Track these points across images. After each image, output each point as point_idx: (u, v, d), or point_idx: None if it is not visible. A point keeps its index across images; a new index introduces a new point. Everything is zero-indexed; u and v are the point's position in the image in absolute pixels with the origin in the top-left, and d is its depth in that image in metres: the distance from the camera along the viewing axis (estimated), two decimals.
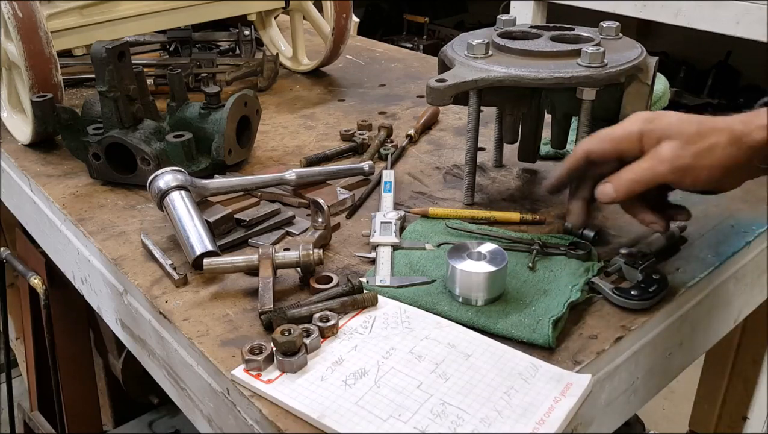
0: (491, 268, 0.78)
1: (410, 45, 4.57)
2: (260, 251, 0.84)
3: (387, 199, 1.03)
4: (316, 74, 1.65)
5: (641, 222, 0.84)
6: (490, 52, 0.95)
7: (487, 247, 0.81)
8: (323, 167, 1.10)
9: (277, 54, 1.62)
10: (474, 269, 0.78)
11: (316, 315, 0.76)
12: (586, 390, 0.69)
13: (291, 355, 0.70)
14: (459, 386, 0.69)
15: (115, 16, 1.31)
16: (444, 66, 0.99)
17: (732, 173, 0.77)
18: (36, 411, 1.81)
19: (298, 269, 0.85)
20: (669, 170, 0.76)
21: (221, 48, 1.73)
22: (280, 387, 0.69)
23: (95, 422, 1.80)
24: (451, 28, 5.12)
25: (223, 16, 1.48)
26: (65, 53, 1.29)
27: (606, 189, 0.79)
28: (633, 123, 0.79)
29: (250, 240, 0.95)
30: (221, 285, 0.86)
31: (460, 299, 0.80)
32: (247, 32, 1.66)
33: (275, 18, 1.74)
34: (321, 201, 0.93)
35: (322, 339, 0.74)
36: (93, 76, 1.13)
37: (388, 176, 1.09)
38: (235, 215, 0.96)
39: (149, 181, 0.95)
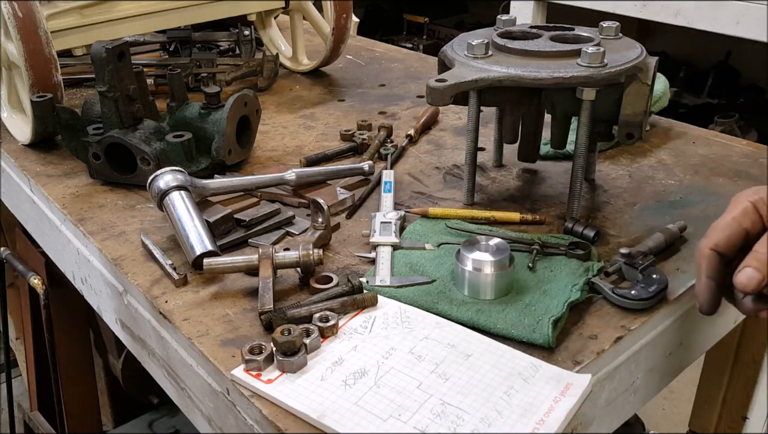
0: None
1: (410, 45, 4.57)
2: (260, 251, 0.84)
3: (387, 199, 1.03)
4: (316, 74, 1.65)
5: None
6: (490, 52, 0.95)
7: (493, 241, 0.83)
8: (323, 167, 1.10)
9: (277, 54, 1.62)
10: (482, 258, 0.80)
11: (316, 315, 0.76)
12: (586, 390, 0.69)
13: (291, 355, 0.70)
14: (459, 386, 0.69)
15: (115, 16, 1.31)
16: (444, 66, 0.99)
17: None
18: (36, 411, 1.81)
19: (298, 269, 0.85)
20: None
21: (221, 48, 1.73)
22: (280, 387, 0.69)
23: (95, 422, 1.81)
24: (451, 28, 5.12)
25: (223, 16, 1.48)
26: (65, 53, 1.29)
27: (748, 273, 0.69)
28: (739, 200, 0.75)
29: (250, 240, 0.95)
30: (221, 285, 0.86)
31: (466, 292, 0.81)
32: (247, 32, 1.66)
33: (275, 18, 1.74)
34: (321, 201, 0.93)
35: (322, 339, 0.74)
36: (93, 76, 1.13)
37: (388, 176, 1.09)
38: (235, 215, 0.96)
39: (149, 181, 0.95)
